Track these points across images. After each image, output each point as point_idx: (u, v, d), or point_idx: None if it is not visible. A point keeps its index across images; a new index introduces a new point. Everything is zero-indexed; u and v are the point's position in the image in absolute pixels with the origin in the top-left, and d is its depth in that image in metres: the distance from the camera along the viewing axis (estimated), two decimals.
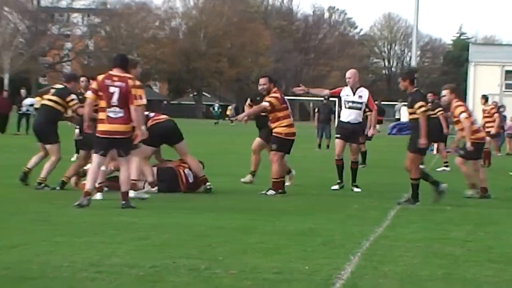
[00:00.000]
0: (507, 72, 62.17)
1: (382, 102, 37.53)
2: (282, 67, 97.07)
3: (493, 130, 22.78)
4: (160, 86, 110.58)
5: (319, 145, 28.75)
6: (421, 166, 12.81)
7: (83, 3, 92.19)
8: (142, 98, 11.08)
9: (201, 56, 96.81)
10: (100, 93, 10.98)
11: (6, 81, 74.42)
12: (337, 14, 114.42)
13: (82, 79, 14.13)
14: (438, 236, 9.27)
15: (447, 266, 7.34)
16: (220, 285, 6.29)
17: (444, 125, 19.04)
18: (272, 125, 13.71)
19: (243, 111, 15.30)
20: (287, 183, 14.16)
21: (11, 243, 7.83)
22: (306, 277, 6.67)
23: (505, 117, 29.46)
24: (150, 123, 12.47)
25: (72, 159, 16.15)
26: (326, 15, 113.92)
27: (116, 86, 10.90)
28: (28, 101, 35.21)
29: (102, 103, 10.98)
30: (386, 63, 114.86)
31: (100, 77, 11.07)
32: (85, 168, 12.88)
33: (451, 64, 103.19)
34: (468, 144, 13.57)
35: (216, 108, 71.70)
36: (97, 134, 11.01)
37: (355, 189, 14.38)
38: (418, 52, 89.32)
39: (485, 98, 24.20)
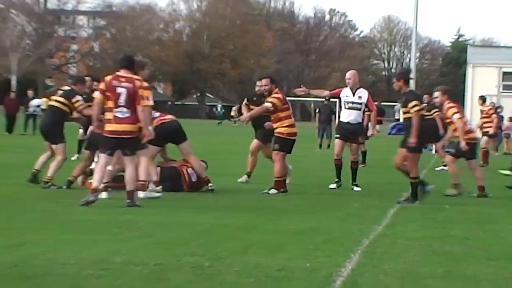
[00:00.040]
0: (505, 73, 62.03)
1: (382, 103, 37.50)
2: (284, 68, 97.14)
3: (491, 130, 22.79)
4: (164, 87, 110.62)
5: (320, 145, 28.75)
6: None
7: (89, 6, 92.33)
8: (149, 99, 11.13)
9: (204, 58, 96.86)
10: (108, 94, 11.00)
11: (13, 82, 74.47)
12: (338, 17, 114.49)
13: (87, 78, 14.17)
14: (438, 234, 9.26)
15: (446, 264, 7.33)
16: (223, 282, 6.29)
17: (440, 125, 19.03)
18: (274, 125, 13.71)
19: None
20: (288, 181, 14.18)
21: (17, 241, 7.82)
22: (307, 274, 6.67)
23: (502, 117, 29.47)
24: (155, 123, 12.47)
25: (73, 158, 16.16)
26: (327, 17, 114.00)
27: (123, 87, 10.93)
28: (35, 102, 35.25)
29: (110, 104, 11.00)
30: (386, 65, 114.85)
31: (107, 78, 11.09)
32: (91, 167, 12.93)
33: (450, 65, 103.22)
34: (463, 144, 13.60)
35: (219, 109, 71.72)
36: (104, 134, 11.04)
37: (355, 188, 14.38)
38: (418, 54, 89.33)
39: (483, 99, 24.20)
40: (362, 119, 15.14)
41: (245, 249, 7.74)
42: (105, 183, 11.39)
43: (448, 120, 14.01)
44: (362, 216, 10.68)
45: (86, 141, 13.61)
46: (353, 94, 14.46)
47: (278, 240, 8.41)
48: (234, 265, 6.90)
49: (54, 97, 13.31)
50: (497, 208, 12.37)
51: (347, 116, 14.50)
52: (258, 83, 14.92)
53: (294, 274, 6.62)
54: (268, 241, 8.27)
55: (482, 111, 23.50)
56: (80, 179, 13.16)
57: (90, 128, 13.46)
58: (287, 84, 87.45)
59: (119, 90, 10.93)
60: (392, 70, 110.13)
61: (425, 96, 18.54)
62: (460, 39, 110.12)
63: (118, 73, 11.09)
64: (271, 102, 13.51)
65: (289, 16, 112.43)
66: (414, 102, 12.33)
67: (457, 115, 13.69)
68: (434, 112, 18.60)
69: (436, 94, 14.20)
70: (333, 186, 14.55)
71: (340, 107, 14.87)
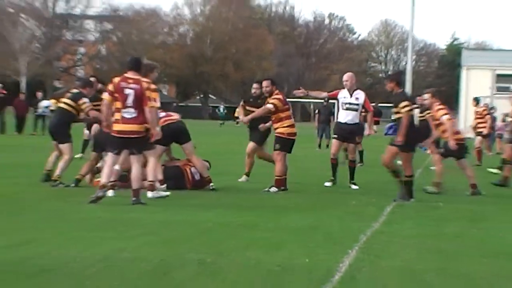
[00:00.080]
0: (498, 75, 62.07)
1: (380, 104, 37.47)
2: (285, 71, 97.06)
3: (485, 131, 22.79)
4: (169, 89, 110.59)
5: (319, 145, 28.76)
6: (399, 162, 12.81)
7: (96, 10, 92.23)
8: (156, 101, 11.18)
9: (207, 61, 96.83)
10: (116, 95, 11.03)
11: (23, 84, 74.49)
12: (337, 21, 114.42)
13: (91, 79, 14.24)
14: (432, 231, 9.27)
15: (441, 261, 7.34)
16: (226, 278, 6.30)
17: (433, 126, 19.02)
18: (274, 126, 13.74)
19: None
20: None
21: (25, 238, 7.82)
22: (307, 270, 6.67)
23: (495, 118, 29.45)
24: (161, 123, 12.50)
25: (77, 156, 16.18)
26: (326, 21, 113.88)
27: (131, 88, 10.96)
28: (44, 103, 35.18)
29: (118, 104, 11.03)
30: (383, 67, 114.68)
31: (116, 80, 11.12)
32: (98, 165, 12.98)
33: (445, 68, 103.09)
34: (452, 143, 13.64)
35: (221, 110, 71.69)
36: (112, 134, 11.07)
37: (353, 187, 14.40)
38: (414, 57, 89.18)
39: (477, 100, 24.22)
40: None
41: (247, 246, 7.74)
42: (112, 181, 11.41)
43: (437, 121, 14.05)
44: (360, 214, 10.69)
45: (92, 143, 13.63)
46: (351, 96, 14.50)
47: (278, 237, 8.42)
48: (236, 261, 6.91)
49: (63, 99, 13.35)
50: (489, 206, 12.37)
51: (344, 116, 14.55)
52: (255, 85, 15.03)
53: (294, 270, 6.63)
54: (269, 238, 8.28)
55: (476, 112, 23.52)
56: (88, 177, 13.21)
57: (94, 128, 13.61)
58: (288, 86, 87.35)
59: (127, 91, 10.97)
60: (389, 72, 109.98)
61: (418, 98, 18.52)
62: (455, 43, 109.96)
63: (126, 74, 11.12)
64: (272, 103, 13.52)
65: (289, 20, 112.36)
66: (404, 103, 12.36)
67: (446, 116, 13.77)
68: (427, 113, 18.61)
69: (426, 96, 14.29)
70: (328, 184, 14.61)
71: (338, 108, 14.91)
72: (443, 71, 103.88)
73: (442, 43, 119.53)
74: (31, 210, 10.09)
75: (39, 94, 37.24)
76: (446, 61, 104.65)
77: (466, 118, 54.89)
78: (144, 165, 11.66)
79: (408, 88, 46.49)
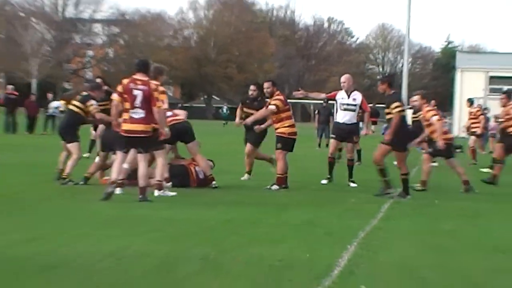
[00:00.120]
0: (491, 77, 62.07)
1: (377, 105, 37.43)
2: (286, 72, 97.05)
3: (478, 131, 22.77)
4: (174, 90, 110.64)
5: (319, 144, 28.75)
6: (387, 161, 12.83)
7: (104, 15, 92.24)
8: (164, 103, 11.24)
9: (211, 63, 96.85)
10: (125, 96, 11.05)
11: (34, 86, 74.54)
12: (336, 24, 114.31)
13: (97, 80, 14.31)
14: (429, 228, 9.26)
15: (437, 256, 7.33)
16: (229, 272, 6.29)
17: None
18: (275, 126, 13.73)
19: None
20: (271, 169, 14.41)
21: (35, 234, 7.82)
22: (307, 264, 6.67)
23: (489, 118, 29.41)
24: (167, 123, 12.51)
25: (85, 155, 16.18)
26: (326, 25, 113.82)
27: (139, 89, 11.00)
28: (54, 104, 35.25)
29: (126, 105, 11.05)
30: (381, 69, 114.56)
31: (125, 81, 11.16)
32: (107, 163, 13.03)
33: (440, 70, 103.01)
34: (441, 143, 13.65)
35: (224, 110, 71.66)
36: (120, 133, 11.09)
37: (352, 185, 14.39)
38: (410, 59, 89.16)
39: (470, 101, 24.19)
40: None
41: (249, 242, 7.73)
42: (120, 179, 11.41)
43: (427, 122, 14.06)
44: (359, 211, 10.68)
45: (99, 143, 13.67)
46: (348, 96, 14.51)
47: (280, 233, 8.41)
48: (239, 257, 6.90)
49: (73, 102, 13.43)
50: (482, 203, 12.36)
51: (342, 117, 14.57)
52: (252, 87, 15.06)
53: (295, 265, 6.62)
54: (270, 234, 8.27)
55: (470, 113, 23.50)
56: (98, 173, 13.27)
57: (99, 128, 13.70)
58: (289, 87, 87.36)
59: (135, 92, 11.00)
60: (386, 74, 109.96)
61: (411, 99, 18.50)
62: (449, 46, 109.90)
63: (134, 76, 11.15)
64: (274, 104, 13.52)
65: (290, 24, 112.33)
66: (396, 104, 12.40)
67: (436, 117, 13.81)
68: (420, 114, 18.59)
69: (415, 98, 14.31)
70: (324, 181, 14.66)
71: (336, 108, 14.91)
72: (438, 73, 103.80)
73: (437, 46, 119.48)
74: (39, 208, 10.08)
75: (49, 95, 37.29)
76: (441, 63, 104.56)
77: (460, 119, 54.91)
78: (149, 164, 11.67)
79: (404, 90, 46.52)
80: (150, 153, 11.70)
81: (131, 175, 11.66)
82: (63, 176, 12.92)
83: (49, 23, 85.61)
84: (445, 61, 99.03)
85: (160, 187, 11.69)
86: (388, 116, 12.60)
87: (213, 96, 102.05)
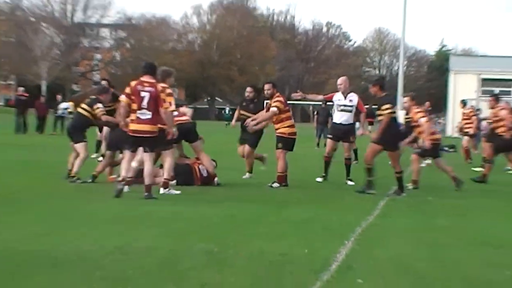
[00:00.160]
0: (483, 79, 62.04)
1: (373, 106, 37.40)
2: (286, 74, 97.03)
3: (471, 131, 22.76)
4: (178, 92, 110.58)
5: (318, 144, 28.73)
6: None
7: (111, 19, 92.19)
8: (172, 105, 11.30)
9: (214, 65, 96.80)
10: (133, 97, 11.07)
11: (43, 88, 74.54)
12: (334, 29, 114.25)
13: (103, 82, 14.37)
14: (423, 224, 9.26)
15: (431, 251, 7.33)
16: (232, 266, 6.30)
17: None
18: (276, 126, 13.74)
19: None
20: (263, 168, 14.46)
21: (45, 230, 7.84)
22: (306, 259, 6.67)
23: (481, 119, 29.37)
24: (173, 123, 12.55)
25: (93, 156, 16.20)
26: (324, 29, 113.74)
27: (146, 91, 11.03)
28: (63, 105, 35.35)
29: (134, 106, 11.07)
30: (377, 72, 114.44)
31: (132, 83, 11.19)
32: (116, 160, 13.12)
33: (434, 72, 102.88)
34: (428, 143, 13.68)
35: (227, 111, 71.62)
36: (128, 133, 11.11)
37: (349, 182, 14.39)
38: (405, 62, 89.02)
39: (464, 102, 24.18)
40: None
41: (251, 238, 7.74)
42: (129, 177, 11.44)
43: (415, 123, 14.07)
44: (356, 208, 10.67)
45: (106, 143, 13.71)
46: (345, 98, 14.53)
47: (280, 229, 8.41)
48: (241, 251, 6.91)
49: (82, 105, 13.56)
50: (475, 200, 12.37)
51: (339, 117, 14.59)
52: (248, 89, 15.06)
53: (295, 259, 6.63)
54: (271, 230, 8.27)
55: (463, 114, 23.49)
56: (107, 170, 13.32)
57: (105, 130, 13.81)
58: (289, 89, 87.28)
59: (142, 94, 11.03)
60: (377, 77, 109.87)
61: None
62: (443, 49, 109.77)
63: (142, 78, 11.17)
64: (275, 106, 13.54)
65: (290, 28, 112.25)
66: (386, 105, 12.44)
67: (424, 119, 13.82)
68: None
69: (405, 99, 14.30)
70: (319, 179, 14.68)
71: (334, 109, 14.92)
72: (432, 76, 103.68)
73: (431, 50, 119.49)
74: (48, 204, 10.07)
75: (59, 97, 37.37)
76: (435, 66, 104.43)
77: (453, 119, 54.87)
78: (154, 162, 11.70)
79: (400, 91, 46.51)
80: (156, 152, 11.73)
81: (138, 174, 11.69)
82: (71, 175, 12.99)
83: (59, 27, 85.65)
84: (439, 64, 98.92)
85: (166, 185, 11.71)
86: (379, 118, 12.65)
87: (216, 98, 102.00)
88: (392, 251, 7.23)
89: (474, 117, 23.04)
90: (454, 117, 55.68)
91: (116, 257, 6.49)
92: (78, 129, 13.36)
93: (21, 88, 36.36)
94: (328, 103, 22.03)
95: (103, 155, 14.38)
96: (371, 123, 31.95)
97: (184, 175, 13.08)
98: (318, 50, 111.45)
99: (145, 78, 11.14)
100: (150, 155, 11.20)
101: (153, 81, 11.14)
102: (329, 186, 13.94)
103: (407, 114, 17.81)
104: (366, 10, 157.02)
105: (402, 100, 13.76)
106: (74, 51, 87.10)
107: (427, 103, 28.10)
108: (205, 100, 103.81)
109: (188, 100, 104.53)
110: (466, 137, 22.88)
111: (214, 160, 13.77)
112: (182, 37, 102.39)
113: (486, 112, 30.10)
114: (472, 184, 15.12)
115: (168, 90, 11.46)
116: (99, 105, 13.21)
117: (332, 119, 15.84)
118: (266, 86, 13.97)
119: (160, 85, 11.32)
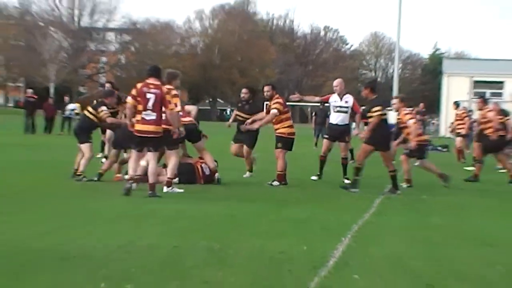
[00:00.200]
0: (475, 82, 62.01)
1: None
2: (285, 77, 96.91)
3: (463, 131, 22.76)
4: (181, 93, 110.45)
5: (316, 144, 28.71)
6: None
7: (116, 24, 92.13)
8: (177, 106, 11.38)
9: (216, 68, 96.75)
10: (138, 99, 11.06)
11: (51, 90, 74.57)
12: (331, 33, 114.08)
13: (107, 85, 14.39)
14: (418, 221, 9.23)
15: (426, 248, 7.30)
16: (232, 263, 6.27)
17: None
18: (275, 126, 13.74)
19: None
20: (254, 167, 14.49)
21: (50, 228, 7.80)
22: (305, 256, 6.65)
23: (473, 120, 29.34)
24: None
25: (98, 156, 16.19)
26: (322, 33, 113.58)
27: (152, 93, 11.03)
28: (70, 106, 35.37)
29: (139, 107, 11.06)
30: (373, 74, 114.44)
31: (138, 85, 11.19)
32: (124, 158, 13.18)
33: (428, 75, 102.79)
34: (413, 144, 13.69)
35: (228, 112, 71.69)
36: (133, 133, 11.11)
37: (346, 181, 14.34)
38: (400, 65, 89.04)
39: (456, 104, 24.17)
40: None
41: (252, 236, 7.70)
42: (137, 175, 11.42)
43: (403, 125, 14.06)
44: (352, 206, 10.65)
45: (111, 143, 13.72)
46: (340, 99, 14.54)
47: (280, 227, 8.38)
48: (242, 249, 6.88)
49: (87, 107, 13.64)
50: (467, 198, 12.37)
51: (335, 118, 14.61)
52: (244, 90, 15.02)
53: (294, 257, 6.61)
54: (271, 229, 8.24)
55: (456, 115, 23.49)
56: (116, 166, 13.33)
57: (108, 132, 13.91)
58: (288, 91, 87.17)
59: (148, 95, 11.03)
60: (378, 79, 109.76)
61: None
62: (436, 52, 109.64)
63: (147, 81, 11.17)
64: (275, 108, 13.55)
65: (289, 32, 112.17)
66: (377, 108, 12.46)
67: (412, 120, 13.83)
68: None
69: (394, 101, 14.27)
70: (314, 177, 14.71)
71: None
72: (426, 78, 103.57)
73: (425, 53, 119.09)
74: (56, 202, 10.04)
75: (66, 98, 37.39)
76: (429, 69, 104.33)
77: (447, 120, 54.81)
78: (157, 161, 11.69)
79: (395, 93, 46.46)
80: (160, 152, 11.73)
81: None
82: (77, 174, 13.02)
83: (66, 32, 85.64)
84: (433, 67, 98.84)
85: (169, 184, 11.69)
86: (370, 120, 12.67)
87: (218, 99, 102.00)
88: (387, 248, 7.20)
89: (466, 118, 23.03)
90: (447, 118, 55.61)
91: (120, 256, 6.45)
92: (84, 130, 13.43)
93: (30, 90, 36.36)
94: (325, 104, 21.99)
95: (106, 157, 14.37)
96: (366, 124, 31.90)
97: (187, 174, 13.07)
98: (316, 54, 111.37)
99: (151, 80, 11.15)
100: (154, 154, 11.20)
101: (158, 83, 11.16)
102: (326, 185, 13.91)
103: (399, 115, 17.82)
104: (362, 14, 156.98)
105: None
106: (81, 54, 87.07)
107: (421, 105, 28.16)
108: (207, 101, 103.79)
109: (191, 101, 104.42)
110: (459, 138, 22.88)
111: (215, 161, 13.74)
112: (185, 41, 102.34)
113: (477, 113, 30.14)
114: (465, 183, 15.13)
115: (174, 92, 11.51)
116: (104, 107, 13.28)
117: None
118: (266, 88, 13.96)
119: (166, 87, 11.34)
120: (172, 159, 11.87)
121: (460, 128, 22.74)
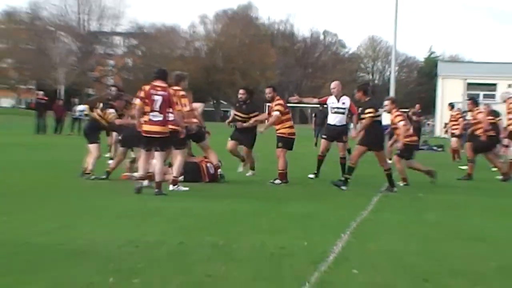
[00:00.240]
0: (469, 84, 61.98)
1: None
2: (286, 79, 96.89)
3: (457, 132, 22.75)
4: (188, 95, 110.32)
5: (315, 144, 28.71)
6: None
7: (124, 28, 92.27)
8: (187, 106, 11.56)
9: (219, 71, 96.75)
10: (146, 100, 11.07)
11: (61, 92, 74.66)
12: (330, 37, 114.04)
13: (113, 88, 14.42)
14: (414, 218, 9.22)
15: (422, 244, 7.30)
16: (236, 257, 6.27)
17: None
18: (276, 127, 13.74)
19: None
20: (240, 169, 14.43)
21: (60, 224, 7.80)
22: (305, 251, 6.65)
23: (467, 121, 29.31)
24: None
25: (106, 155, 16.20)
26: (321, 37, 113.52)
27: (159, 95, 11.05)
28: (79, 107, 35.39)
29: (147, 108, 11.07)
30: (370, 77, 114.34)
31: (146, 87, 11.20)
32: (134, 156, 13.21)
33: (424, 77, 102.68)
34: (400, 144, 13.72)
35: (231, 113, 71.67)
36: (141, 133, 11.12)
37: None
38: (396, 68, 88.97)
39: (451, 105, 24.19)
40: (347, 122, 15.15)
41: (254, 231, 7.70)
42: (149, 173, 11.43)
43: (393, 126, 14.05)
44: (351, 203, 10.64)
45: (120, 141, 13.72)
46: (338, 101, 14.57)
47: (281, 223, 8.38)
48: (244, 244, 6.88)
49: (96, 110, 13.73)
50: (462, 196, 12.34)
51: (333, 119, 14.63)
52: (241, 91, 14.95)
53: (294, 252, 6.60)
54: (272, 225, 8.24)
55: (451, 116, 23.49)
56: (127, 162, 13.34)
57: (113, 134, 14.02)
58: (288, 93, 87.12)
59: (155, 97, 11.06)
60: (376, 81, 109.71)
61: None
62: (432, 55, 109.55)
63: (154, 83, 11.19)
64: (277, 109, 13.58)
65: (289, 36, 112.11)
66: (370, 109, 12.46)
67: (402, 122, 13.85)
68: None
69: (386, 102, 14.24)
70: (311, 176, 14.71)
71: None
72: (422, 80, 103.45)
73: (421, 56, 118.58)
74: (63, 200, 10.05)
75: (75, 100, 37.38)
76: (424, 71, 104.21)
77: (442, 121, 54.81)
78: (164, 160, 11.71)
79: (392, 95, 46.39)
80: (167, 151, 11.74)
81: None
82: (86, 173, 13.04)
83: (75, 36, 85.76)
84: (428, 70, 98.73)
85: (175, 183, 11.69)
86: (363, 121, 12.68)
87: (221, 101, 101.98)
88: (385, 244, 7.20)
89: (460, 119, 23.02)
90: (442, 119, 55.62)
91: (128, 250, 6.46)
92: (92, 131, 13.53)
93: (41, 92, 36.41)
94: (325, 105, 22.00)
95: (112, 158, 14.39)
96: None
97: (192, 172, 13.07)
98: (315, 57, 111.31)
99: (157, 83, 11.17)
100: (161, 154, 11.22)
101: (164, 85, 11.19)
102: (326, 184, 13.88)
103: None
104: (360, 19, 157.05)
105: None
106: (89, 57, 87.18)
107: (417, 106, 28.09)
108: (211, 103, 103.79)
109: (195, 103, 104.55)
110: (454, 138, 22.87)
111: (220, 161, 13.73)
112: (190, 44, 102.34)
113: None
114: (460, 182, 15.10)
115: (181, 93, 11.59)
116: (111, 110, 13.38)
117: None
118: (267, 90, 13.99)
119: (173, 88, 11.38)
120: (178, 158, 11.89)
121: (455, 129, 22.73)
